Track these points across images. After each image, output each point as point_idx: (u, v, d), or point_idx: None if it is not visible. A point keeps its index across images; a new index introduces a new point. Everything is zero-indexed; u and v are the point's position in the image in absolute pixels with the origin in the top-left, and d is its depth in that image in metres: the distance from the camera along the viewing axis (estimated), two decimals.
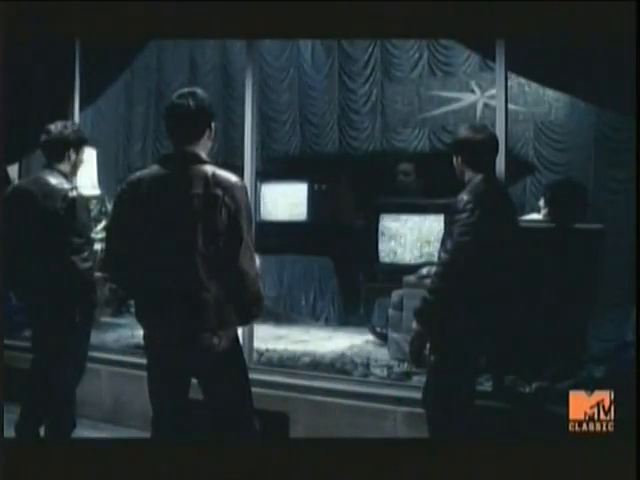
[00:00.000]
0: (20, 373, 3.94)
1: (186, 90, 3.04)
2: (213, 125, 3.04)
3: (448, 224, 3.41)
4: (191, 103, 2.94)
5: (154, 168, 3.00)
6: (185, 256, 2.85)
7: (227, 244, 2.86)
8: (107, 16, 3.81)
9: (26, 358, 4.06)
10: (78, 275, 3.76)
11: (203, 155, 2.97)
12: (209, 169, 2.91)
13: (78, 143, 3.97)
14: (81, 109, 5.48)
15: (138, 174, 3.02)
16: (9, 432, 3.71)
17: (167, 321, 2.91)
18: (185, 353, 2.91)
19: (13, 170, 6.25)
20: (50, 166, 3.92)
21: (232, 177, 2.93)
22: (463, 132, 3.57)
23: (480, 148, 3.47)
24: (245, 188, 2.97)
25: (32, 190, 3.87)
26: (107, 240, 3.14)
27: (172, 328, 2.90)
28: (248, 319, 3.10)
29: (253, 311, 3.02)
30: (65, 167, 3.93)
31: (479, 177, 3.43)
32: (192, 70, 8.38)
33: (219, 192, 2.85)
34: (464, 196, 3.34)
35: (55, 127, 3.97)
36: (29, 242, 3.82)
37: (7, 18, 3.75)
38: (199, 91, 3.02)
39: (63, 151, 3.92)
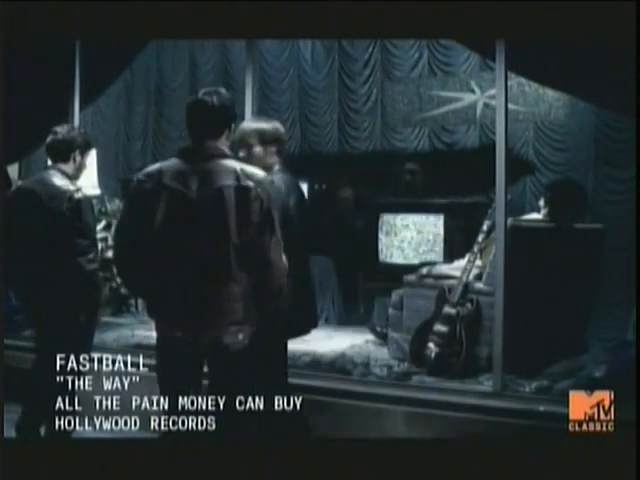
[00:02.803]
0: (20, 373, 3.94)
1: (212, 88, 3.07)
2: (233, 126, 3.07)
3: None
4: (215, 101, 2.97)
5: (174, 161, 2.98)
6: (217, 247, 2.85)
7: (259, 236, 2.87)
8: (107, 16, 3.81)
9: (26, 358, 4.06)
10: (84, 276, 3.78)
11: (227, 150, 3.00)
12: (235, 164, 2.94)
13: (84, 146, 4.01)
14: (81, 109, 5.48)
15: (157, 166, 3.00)
16: (9, 432, 3.72)
17: (191, 315, 2.88)
18: (205, 348, 2.90)
19: (13, 170, 6.26)
20: (54, 167, 3.95)
21: (260, 172, 2.97)
22: (267, 123, 3.61)
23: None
24: (273, 183, 3.03)
25: (37, 190, 3.88)
26: (119, 236, 3.09)
27: (194, 322, 2.88)
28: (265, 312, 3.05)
29: (272, 302, 3.01)
30: (69, 169, 3.96)
31: (278, 165, 3.52)
32: (192, 70, 8.37)
33: (251, 184, 2.87)
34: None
35: (62, 129, 4.02)
36: (33, 242, 3.83)
37: (7, 18, 3.75)
38: (223, 91, 3.05)
39: (69, 153, 3.95)
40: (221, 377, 3.00)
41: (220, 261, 2.85)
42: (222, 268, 2.85)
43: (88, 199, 3.98)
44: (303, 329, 3.66)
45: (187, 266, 2.87)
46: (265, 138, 3.52)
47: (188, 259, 2.87)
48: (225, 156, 2.96)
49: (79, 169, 4.03)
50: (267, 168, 3.43)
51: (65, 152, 3.95)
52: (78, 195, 3.84)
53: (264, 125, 3.58)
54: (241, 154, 3.49)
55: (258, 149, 3.50)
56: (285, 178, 3.47)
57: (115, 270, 3.33)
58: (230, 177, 2.87)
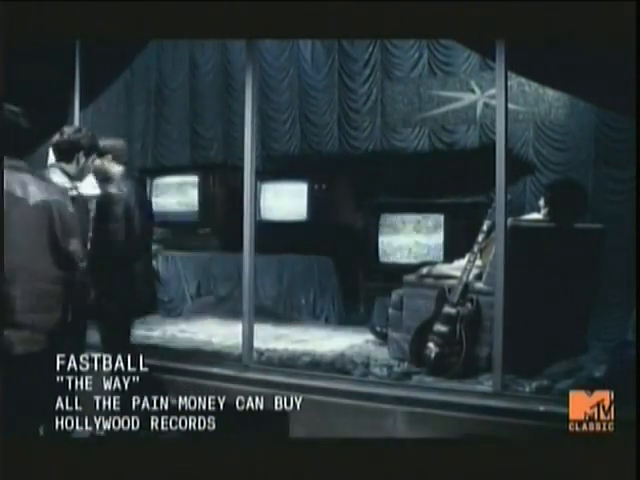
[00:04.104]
0: None
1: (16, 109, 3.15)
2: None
3: (97, 218, 4.08)
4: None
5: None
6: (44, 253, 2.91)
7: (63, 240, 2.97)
8: (107, 16, 3.82)
9: None
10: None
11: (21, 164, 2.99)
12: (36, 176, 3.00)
13: (89, 148, 4.04)
14: (81, 109, 5.48)
15: None
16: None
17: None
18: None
19: None
20: (56, 165, 3.98)
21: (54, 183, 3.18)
22: (104, 140, 4.37)
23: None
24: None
25: None
26: None
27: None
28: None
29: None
30: (71, 169, 3.99)
31: (121, 169, 4.37)
32: (192, 70, 8.37)
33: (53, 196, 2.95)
34: (114, 189, 4.17)
35: (69, 129, 4.11)
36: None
37: (7, 18, 3.75)
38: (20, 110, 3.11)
39: (73, 153, 3.98)
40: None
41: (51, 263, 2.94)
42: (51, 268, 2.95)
43: (83, 198, 3.99)
44: (144, 312, 4.67)
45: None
46: (101, 152, 4.28)
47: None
48: (22, 170, 2.97)
49: (82, 170, 4.05)
50: (110, 174, 4.31)
51: (69, 152, 3.98)
52: (71, 193, 3.84)
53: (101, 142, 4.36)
54: (92, 169, 4.20)
55: (97, 162, 4.24)
56: (127, 183, 4.28)
57: None
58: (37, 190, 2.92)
